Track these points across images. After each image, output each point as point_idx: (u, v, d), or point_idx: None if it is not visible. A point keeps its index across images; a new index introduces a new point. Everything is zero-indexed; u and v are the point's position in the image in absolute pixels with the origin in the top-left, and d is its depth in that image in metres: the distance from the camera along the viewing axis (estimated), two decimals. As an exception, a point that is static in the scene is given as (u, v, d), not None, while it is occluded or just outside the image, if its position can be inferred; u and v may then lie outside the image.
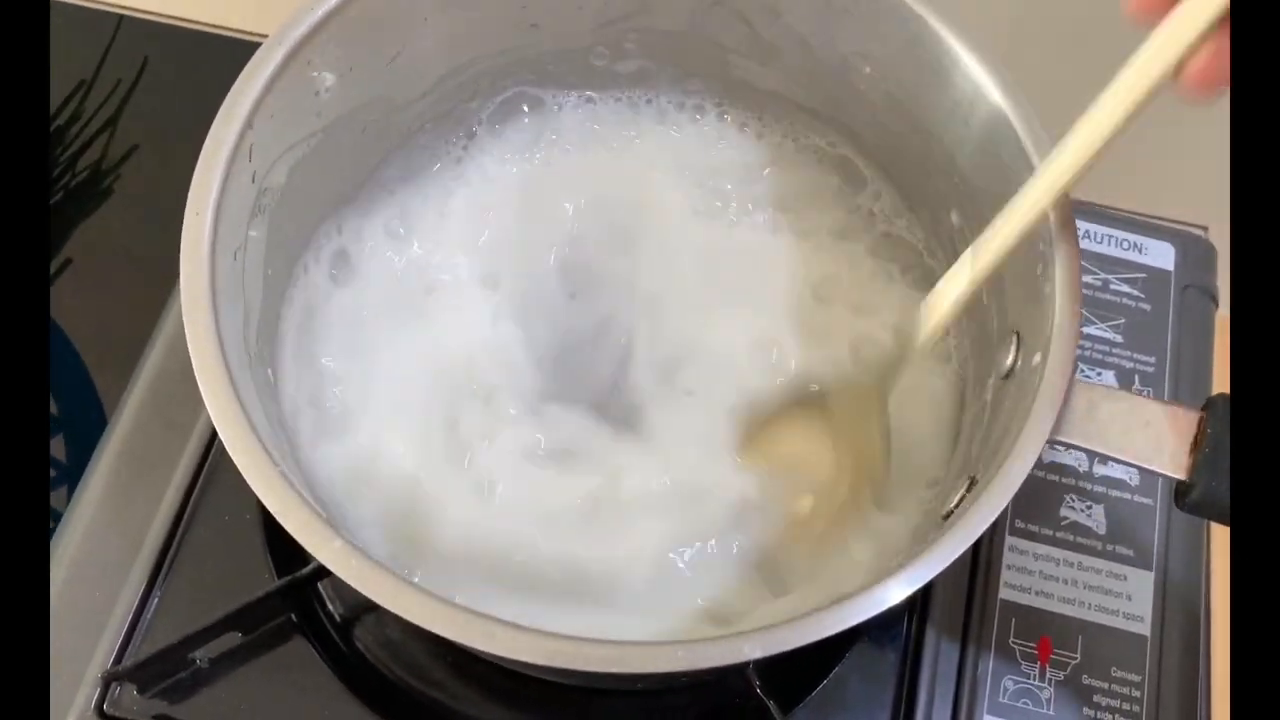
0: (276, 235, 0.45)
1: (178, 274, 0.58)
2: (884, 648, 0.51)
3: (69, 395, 0.61)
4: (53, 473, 0.59)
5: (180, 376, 0.55)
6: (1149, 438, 0.40)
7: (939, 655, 0.51)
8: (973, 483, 0.41)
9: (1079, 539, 0.53)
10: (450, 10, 0.48)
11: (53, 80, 0.71)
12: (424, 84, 0.50)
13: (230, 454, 0.37)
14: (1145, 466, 0.40)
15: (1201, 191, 0.62)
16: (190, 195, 0.40)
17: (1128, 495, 0.54)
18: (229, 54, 0.72)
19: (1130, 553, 0.53)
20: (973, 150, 0.47)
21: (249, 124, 0.42)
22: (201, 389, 0.38)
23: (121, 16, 0.74)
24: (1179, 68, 0.36)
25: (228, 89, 0.70)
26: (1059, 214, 0.41)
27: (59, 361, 0.62)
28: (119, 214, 0.68)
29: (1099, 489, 0.54)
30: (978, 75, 0.45)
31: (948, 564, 0.37)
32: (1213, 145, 0.56)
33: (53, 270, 0.65)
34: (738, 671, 0.47)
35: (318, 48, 0.44)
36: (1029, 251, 0.42)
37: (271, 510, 0.36)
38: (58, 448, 0.60)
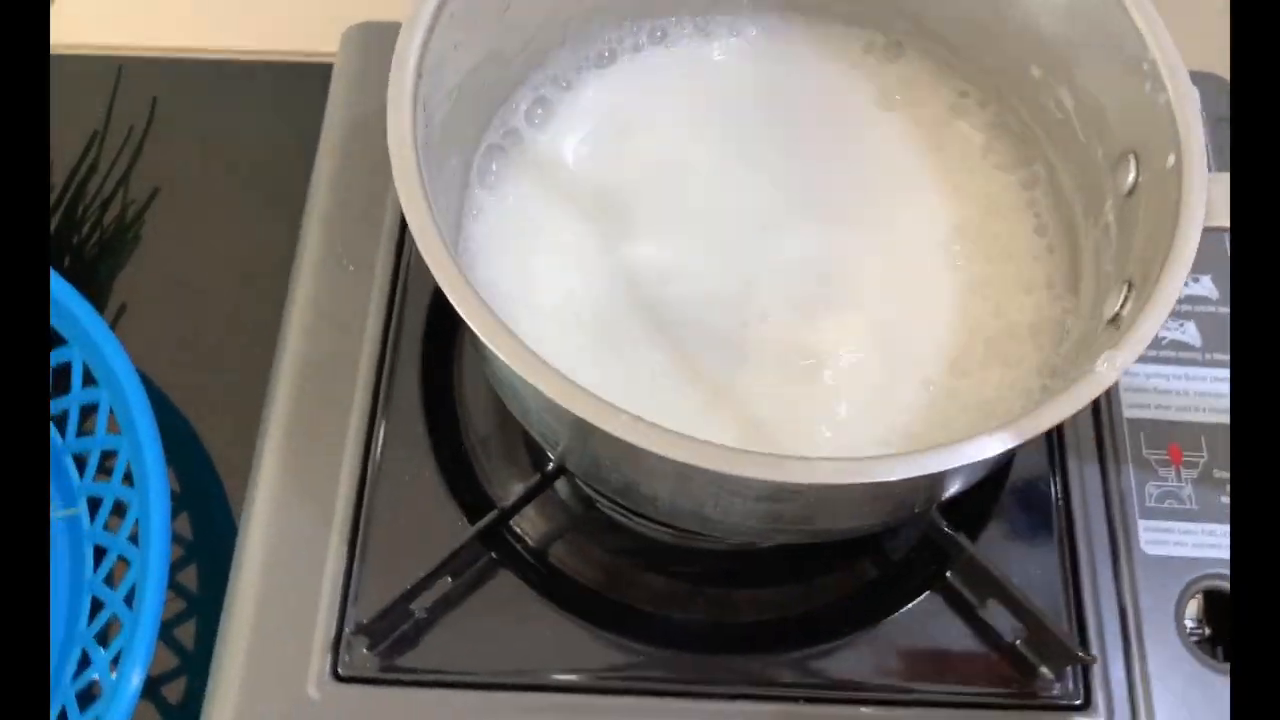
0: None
1: (230, 292, 0.64)
2: (1034, 481, 0.55)
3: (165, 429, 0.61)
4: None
5: (320, 368, 0.57)
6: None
7: (1084, 478, 0.55)
8: (1130, 286, 0.45)
9: (1180, 354, 0.58)
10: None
11: (66, 135, 0.70)
12: (525, 34, 0.52)
13: (468, 322, 0.38)
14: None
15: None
16: (390, 133, 0.42)
17: (1212, 309, 0.60)
18: (233, 79, 0.74)
19: (1225, 357, 0.58)
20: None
21: (419, 73, 0.44)
22: (438, 277, 0.39)
23: (122, 61, 0.74)
24: None
25: (236, 112, 0.73)
26: (1156, 38, 0.45)
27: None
28: (154, 255, 0.68)
29: (1186, 308, 0.59)
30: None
31: (1148, 341, 0.40)
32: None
33: (110, 319, 0.66)
34: (923, 516, 0.51)
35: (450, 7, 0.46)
36: (1130, 75, 0.46)
37: (520, 372, 0.37)
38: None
